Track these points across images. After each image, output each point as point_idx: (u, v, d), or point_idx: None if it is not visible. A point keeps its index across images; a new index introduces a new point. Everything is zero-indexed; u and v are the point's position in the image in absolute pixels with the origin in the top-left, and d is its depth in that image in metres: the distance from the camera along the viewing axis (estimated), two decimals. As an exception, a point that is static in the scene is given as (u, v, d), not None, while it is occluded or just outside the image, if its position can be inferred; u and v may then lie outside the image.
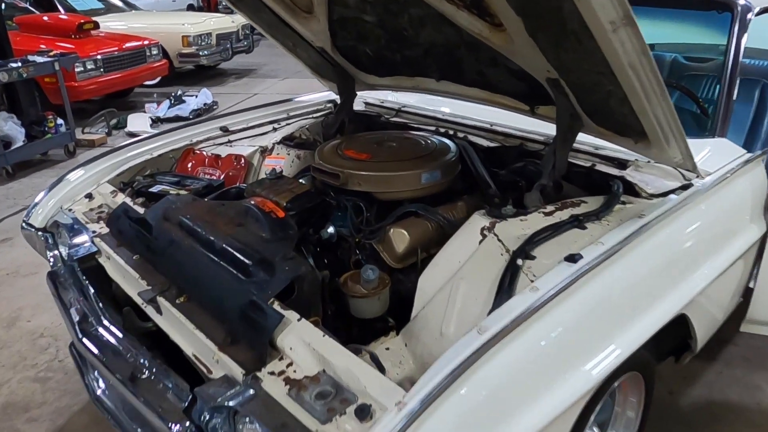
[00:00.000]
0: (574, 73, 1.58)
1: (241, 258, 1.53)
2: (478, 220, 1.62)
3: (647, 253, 1.52)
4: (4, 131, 5.07)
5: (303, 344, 1.27)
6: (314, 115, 2.84)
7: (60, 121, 5.49)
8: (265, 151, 2.45)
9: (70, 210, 2.15)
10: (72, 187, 2.24)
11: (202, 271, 1.57)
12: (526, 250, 1.46)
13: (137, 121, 6.62)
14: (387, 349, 1.52)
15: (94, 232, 1.98)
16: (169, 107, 7.15)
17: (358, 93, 2.68)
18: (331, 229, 1.91)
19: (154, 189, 2.13)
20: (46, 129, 5.38)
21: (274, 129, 2.65)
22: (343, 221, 1.93)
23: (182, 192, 2.10)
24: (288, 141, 2.49)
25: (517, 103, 1.99)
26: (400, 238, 1.80)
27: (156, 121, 6.92)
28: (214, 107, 7.71)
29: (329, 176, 1.93)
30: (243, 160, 2.39)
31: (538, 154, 2.10)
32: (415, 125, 2.53)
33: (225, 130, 2.62)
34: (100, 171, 2.33)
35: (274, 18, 2.37)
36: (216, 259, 1.57)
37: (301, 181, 2.09)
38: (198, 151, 2.45)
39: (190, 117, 7.19)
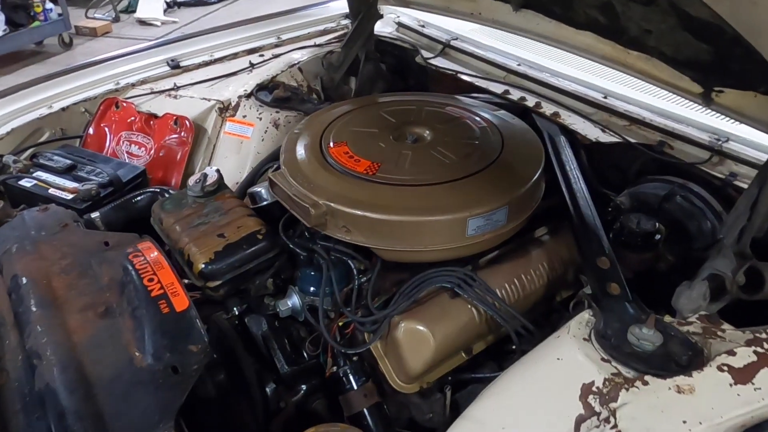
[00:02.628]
0: None
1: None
2: (577, 358, 0.78)
3: None
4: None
5: None
6: (318, 41, 1.86)
7: (50, 5, 4.58)
8: (225, 110, 1.53)
9: None
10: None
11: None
12: None
13: (149, 5, 5.62)
14: None
15: None
16: (190, -14, 6.09)
17: (384, 10, 1.67)
18: (293, 301, 1.06)
19: (26, 182, 1.30)
20: (33, 15, 4.49)
21: (252, 66, 1.70)
22: (317, 285, 1.06)
23: (64, 194, 1.25)
24: (264, 93, 1.55)
25: (677, 77, 0.99)
26: (417, 342, 0.97)
27: (172, 5, 5.90)
28: (244, -13, 6.57)
29: (294, 206, 1.02)
30: (188, 124, 1.50)
31: (695, 171, 1.12)
32: (470, 78, 1.54)
33: (175, 66, 1.70)
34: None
35: None
36: (34, 413, 0.78)
37: (258, 191, 1.19)
38: (125, 104, 1.56)
39: (214, 1, 6.15)
